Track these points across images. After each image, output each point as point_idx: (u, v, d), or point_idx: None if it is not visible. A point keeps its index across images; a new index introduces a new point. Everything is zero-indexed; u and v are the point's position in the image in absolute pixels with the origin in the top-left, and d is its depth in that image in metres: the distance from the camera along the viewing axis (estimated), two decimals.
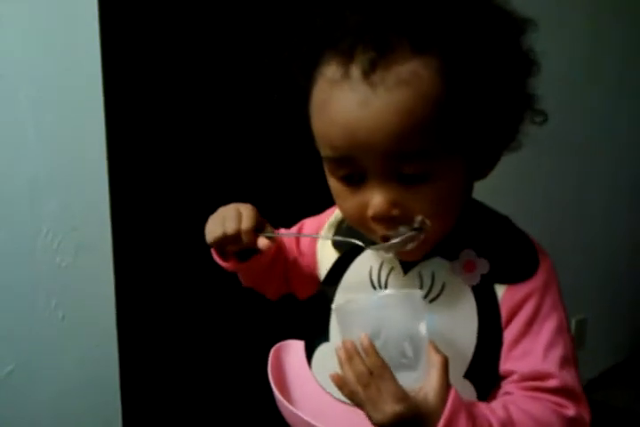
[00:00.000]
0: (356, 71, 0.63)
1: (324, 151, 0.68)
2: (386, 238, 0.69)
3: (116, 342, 1.43)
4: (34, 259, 1.28)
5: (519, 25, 0.67)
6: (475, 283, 0.71)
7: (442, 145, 0.64)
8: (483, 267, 0.71)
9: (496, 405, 0.67)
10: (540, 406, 0.66)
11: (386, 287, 0.75)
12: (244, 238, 0.77)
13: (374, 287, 0.77)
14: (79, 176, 1.32)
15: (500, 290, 0.70)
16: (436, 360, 0.64)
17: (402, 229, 0.67)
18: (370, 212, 0.66)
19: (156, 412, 1.59)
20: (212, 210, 0.82)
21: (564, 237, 2.17)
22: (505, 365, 0.70)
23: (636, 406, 2.25)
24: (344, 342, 0.65)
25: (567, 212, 2.22)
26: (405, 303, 0.66)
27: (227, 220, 0.77)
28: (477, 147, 0.68)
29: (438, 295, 0.72)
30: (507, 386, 0.70)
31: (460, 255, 0.72)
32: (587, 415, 0.68)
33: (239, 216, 0.77)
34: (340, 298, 0.80)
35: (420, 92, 0.62)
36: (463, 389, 0.69)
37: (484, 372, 0.71)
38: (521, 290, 0.70)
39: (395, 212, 0.65)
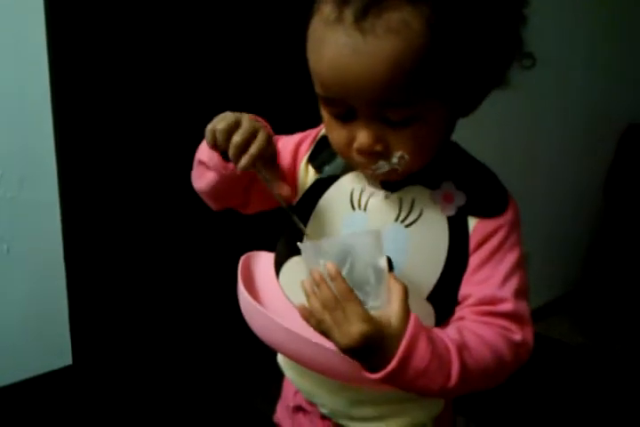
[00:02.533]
0: (349, 15, 0.64)
1: (317, 88, 0.71)
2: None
3: (63, 273, 1.43)
4: None
5: None
6: (451, 214, 0.76)
7: (426, 93, 0.67)
8: (460, 199, 0.76)
9: (450, 330, 0.72)
10: (490, 331, 0.72)
11: (365, 209, 0.79)
12: (242, 161, 0.73)
13: (353, 208, 0.80)
14: (22, 105, 1.28)
15: (472, 222, 0.75)
16: (396, 288, 0.68)
17: (381, 162, 0.71)
18: (355, 145, 0.71)
19: (105, 344, 1.62)
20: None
21: (516, 180, 2.20)
22: (464, 289, 0.75)
23: (570, 338, 2.38)
24: (311, 272, 0.68)
25: (519, 155, 2.25)
26: (368, 239, 0.70)
27: (242, 131, 0.73)
28: (462, 92, 0.71)
29: (414, 221, 0.76)
30: (461, 311, 0.75)
31: (441, 186, 0.76)
32: (531, 341, 0.74)
33: (253, 135, 0.74)
34: (319, 213, 0.82)
35: (408, 43, 0.64)
36: (424, 311, 0.75)
37: (446, 296, 0.76)
38: (491, 224, 0.75)
39: (377, 147, 0.70)
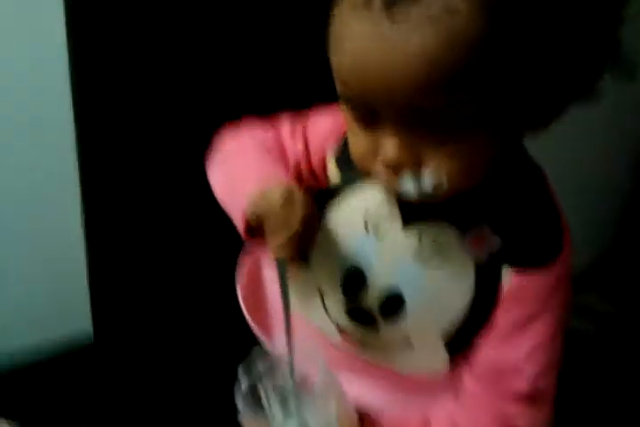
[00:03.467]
0: (378, 0, 0.52)
1: (337, 86, 0.59)
2: None
3: (83, 238, 1.39)
4: None
5: None
6: (480, 261, 0.63)
7: (475, 98, 0.52)
8: (494, 245, 0.63)
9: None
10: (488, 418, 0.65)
11: (378, 238, 0.68)
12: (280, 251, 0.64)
13: (367, 230, 0.68)
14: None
15: (508, 274, 0.63)
16: None
17: (407, 182, 0.58)
18: (380, 157, 0.58)
19: (127, 311, 1.58)
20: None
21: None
22: (483, 343, 0.67)
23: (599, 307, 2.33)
24: None
25: None
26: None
27: (283, 227, 0.63)
28: (524, 103, 0.56)
29: (434, 261, 0.65)
30: (469, 375, 0.68)
31: (472, 229, 0.63)
32: (544, 423, 0.65)
33: (296, 231, 0.64)
34: (330, 226, 0.71)
35: (453, 34, 0.49)
36: (436, 353, 0.69)
37: (461, 343, 0.68)
38: (530, 279, 0.63)
39: (406, 162, 0.57)
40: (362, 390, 0.78)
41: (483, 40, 0.49)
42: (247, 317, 0.79)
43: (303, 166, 0.75)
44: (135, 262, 1.54)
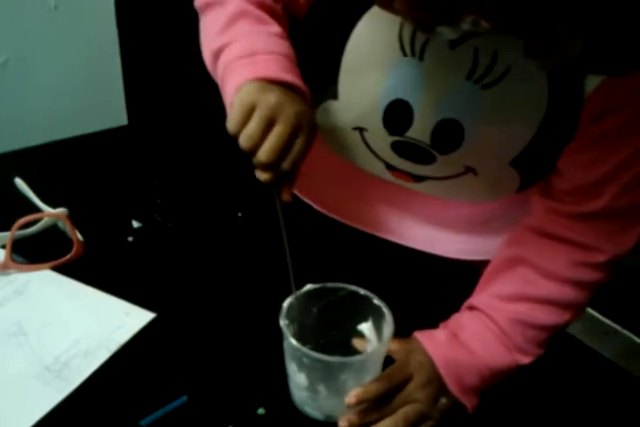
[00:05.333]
0: None
1: None
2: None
3: (116, 37, 1.34)
4: None
5: None
6: (554, 68, 0.53)
7: None
8: (571, 49, 0.49)
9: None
10: (560, 265, 0.59)
11: (421, 58, 0.57)
12: (265, 176, 0.57)
13: (404, 52, 0.57)
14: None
15: (594, 82, 0.53)
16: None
17: (441, 29, 0.45)
18: None
19: (159, 105, 1.58)
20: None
21: None
22: (562, 163, 0.59)
23: None
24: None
25: None
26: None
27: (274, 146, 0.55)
28: None
29: (496, 81, 0.55)
30: (536, 215, 0.62)
31: (542, 34, 0.48)
32: (630, 247, 0.58)
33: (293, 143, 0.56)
34: (354, 49, 0.60)
35: None
36: (506, 174, 0.63)
37: (535, 163, 0.61)
38: (622, 86, 0.52)
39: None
40: (412, 226, 0.78)
41: None
42: None
43: None
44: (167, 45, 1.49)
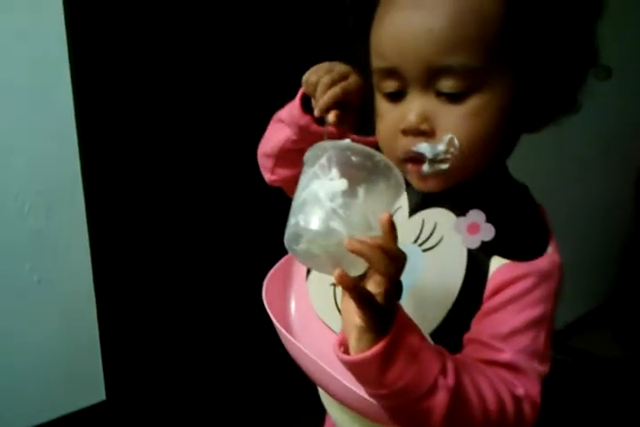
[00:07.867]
0: None
1: (374, 62, 0.67)
2: (408, 160, 0.66)
3: (94, 306, 1.41)
4: (4, 223, 1.25)
5: None
6: (473, 247, 0.66)
7: (488, 65, 0.62)
8: (487, 233, 0.66)
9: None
10: (490, 372, 0.62)
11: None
12: (324, 98, 0.70)
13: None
14: (47, 135, 1.28)
15: (496, 263, 0.65)
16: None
17: (424, 145, 0.63)
18: (401, 125, 0.64)
19: (138, 376, 1.58)
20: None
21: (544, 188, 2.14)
22: (470, 333, 0.66)
23: (608, 351, 2.31)
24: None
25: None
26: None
27: (333, 73, 0.71)
28: (528, 81, 0.64)
29: (432, 247, 0.69)
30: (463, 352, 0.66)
31: (468, 214, 0.67)
32: (537, 399, 0.62)
33: (344, 78, 0.72)
34: None
35: (478, 4, 0.61)
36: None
37: (450, 336, 0.67)
38: (517, 269, 0.64)
39: (424, 126, 0.63)
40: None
41: (500, 13, 0.61)
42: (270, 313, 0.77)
43: None
44: (146, 317, 1.55)
